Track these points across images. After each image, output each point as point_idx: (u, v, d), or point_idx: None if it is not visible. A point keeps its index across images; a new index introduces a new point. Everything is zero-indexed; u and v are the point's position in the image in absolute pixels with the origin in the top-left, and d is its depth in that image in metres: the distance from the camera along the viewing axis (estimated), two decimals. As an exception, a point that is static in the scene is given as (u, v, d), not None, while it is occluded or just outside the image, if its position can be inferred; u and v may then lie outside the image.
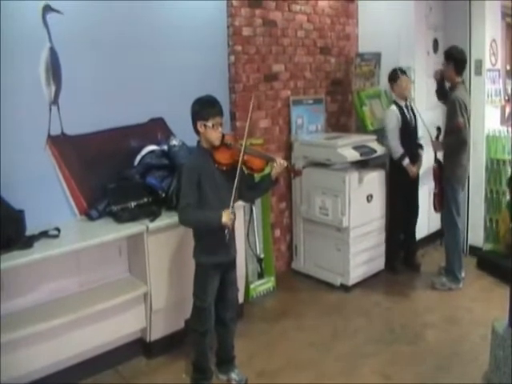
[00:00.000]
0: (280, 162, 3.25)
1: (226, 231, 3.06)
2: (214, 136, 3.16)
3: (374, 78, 5.66)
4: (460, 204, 4.81)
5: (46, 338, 3.26)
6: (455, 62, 4.69)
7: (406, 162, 5.01)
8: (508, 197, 5.33)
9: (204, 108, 3.16)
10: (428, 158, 5.13)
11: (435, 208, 5.02)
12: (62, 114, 3.66)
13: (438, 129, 4.94)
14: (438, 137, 4.90)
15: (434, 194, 4.99)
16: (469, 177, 5.19)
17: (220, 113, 3.18)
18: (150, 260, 3.63)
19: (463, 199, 5.01)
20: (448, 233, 4.91)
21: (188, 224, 3.27)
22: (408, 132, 5.06)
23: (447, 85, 4.89)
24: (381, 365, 3.70)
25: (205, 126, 3.14)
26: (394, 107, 5.07)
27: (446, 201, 4.83)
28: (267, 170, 3.36)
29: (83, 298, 3.55)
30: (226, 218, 3.02)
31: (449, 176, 4.77)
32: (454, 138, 4.62)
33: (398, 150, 5.01)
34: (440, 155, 4.90)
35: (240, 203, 3.61)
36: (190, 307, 3.38)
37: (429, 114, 5.46)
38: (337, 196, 4.75)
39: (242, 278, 4.31)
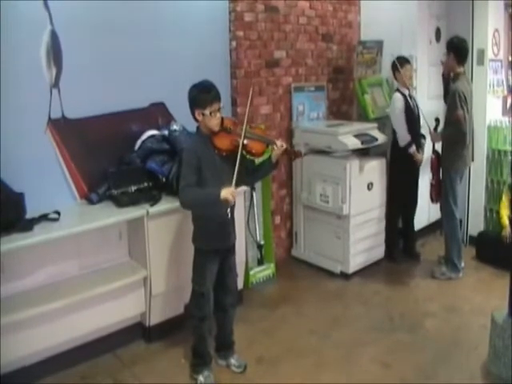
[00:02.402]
0: (280, 144, 3.22)
1: (228, 210, 3.01)
2: (213, 123, 3.13)
3: (376, 66, 5.63)
4: (457, 194, 4.79)
5: (46, 321, 3.26)
6: (456, 52, 4.67)
7: (413, 149, 4.94)
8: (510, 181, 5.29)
9: (200, 95, 3.11)
10: (427, 148, 5.10)
11: (432, 198, 5.02)
12: (62, 97, 3.63)
13: (437, 120, 4.91)
14: (436, 128, 4.87)
15: (431, 185, 4.98)
16: (470, 167, 5.17)
17: (217, 98, 3.13)
18: (149, 244, 3.63)
19: (462, 189, 5.00)
20: (446, 222, 4.90)
21: (188, 203, 3.16)
22: (413, 120, 5.00)
23: (450, 75, 4.86)
24: (380, 353, 3.70)
25: (203, 114, 3.11)
26: (398, 94, 5.02)
27: (443, 190, 4.82)
28: (267, 154, 3.33)
29: (83, 281, 3.55)
30: (225, 192, 2.93)
31: (447, 166, 4.76)
32: (453, 130, 4.60)
33: (405, 136, 4.95)
34: (438, 146, 4.88)
35: (240, 188, 3.59)
36: (190, 292, 3.37)
37: (431, 104, 5.45)
38: (337, 183, 4.74)
39: (242, 264, 4.31)
